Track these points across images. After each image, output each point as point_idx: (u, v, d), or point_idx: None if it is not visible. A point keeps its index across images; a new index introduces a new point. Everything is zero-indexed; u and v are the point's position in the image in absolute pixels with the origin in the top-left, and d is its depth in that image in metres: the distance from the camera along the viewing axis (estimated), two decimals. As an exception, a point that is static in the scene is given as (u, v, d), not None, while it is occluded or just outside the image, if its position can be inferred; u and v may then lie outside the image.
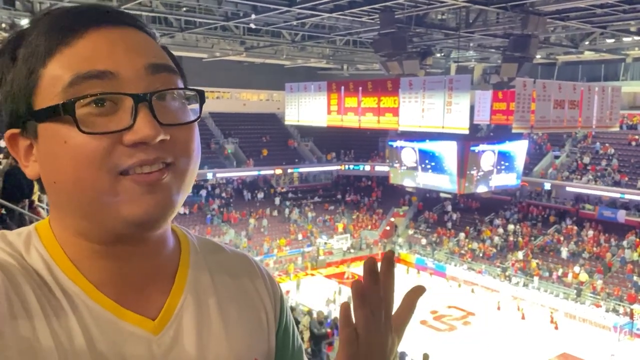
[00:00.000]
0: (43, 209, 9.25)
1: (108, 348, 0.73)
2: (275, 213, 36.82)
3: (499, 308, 26.36)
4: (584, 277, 27.26)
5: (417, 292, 0.86)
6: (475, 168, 19.07)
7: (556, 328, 24.07)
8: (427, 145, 20.14)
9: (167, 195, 0.72)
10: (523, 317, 25.27)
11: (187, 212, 32.83)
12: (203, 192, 35.27)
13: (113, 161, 0.69)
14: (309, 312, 16.69)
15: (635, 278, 26.00)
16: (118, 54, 0.71)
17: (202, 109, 0.79)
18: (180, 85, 0.78)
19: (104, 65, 0.70)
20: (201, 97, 0.78)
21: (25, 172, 0.76)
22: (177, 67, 0.80)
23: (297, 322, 13.59)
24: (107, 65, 0.70)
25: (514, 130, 16.93)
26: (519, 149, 20.22)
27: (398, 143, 21.42)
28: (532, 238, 31.48)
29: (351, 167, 40.78)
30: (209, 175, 34.51)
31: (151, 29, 0.79)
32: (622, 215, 29.53)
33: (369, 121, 19.17)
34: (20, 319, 0.67)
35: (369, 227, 37.64)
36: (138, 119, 0.69)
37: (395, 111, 18.13)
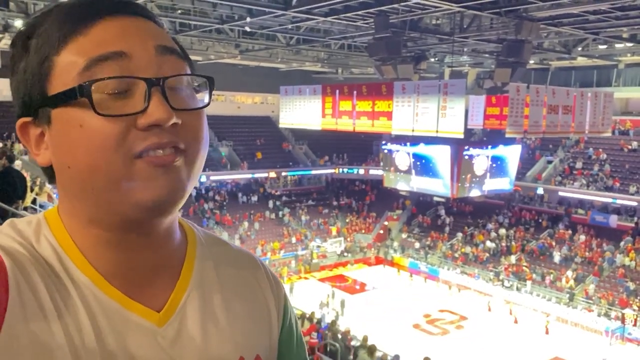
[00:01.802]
0: (35, 210, 9.21)
1: (115, 339, 0.73)
2: (269, 216, 36.79)
3: (489, 309, 26.53)
4: (571, 283, 27.41)
5: None
6: (468, 172, 19.14)
7: (546, 333, 24.19)
8: (421, 149, 20.19)
9: (178, 178, 0.73)
10: (516, 322, 25.35)
11: (180, 214, 32.66)
12: (193, 193, 35.22)
13: (128, 145, 0.70)
14: (302, 316, 16.69)
15: (627, 283, 26.16)
16: (129, 35, 0.73)
17: (211, 94, 0.80)
18: (189, 72, 0.79)
19: (116, 47, 0.71)
20: (211, 84, 0.79)
21: (36, 161, 0.77)
22: (186, 57, 0.81)
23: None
24: (120, 47, 0.71)
25: (507, 135, 17.03)
26: (512, 154, 20.31)
27: (392, 147, 21.46)
28: (525, 242, 31.61)
29: (345, 170, 40.84)
30: (203, 178, 34.45)
31: (160, 20, 0.81)
32: (614, 220, 29.73)
33: (363, 125, 19.22)
34: (30, 309, 0.68)
35: (363, 230, 37.67)
36: (151, 103, 0.70)
37: (389, 115, 18.19)
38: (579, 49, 24.69)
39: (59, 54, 0.72)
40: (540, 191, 33.53)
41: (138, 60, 0.72)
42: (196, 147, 0.76)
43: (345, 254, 34.89)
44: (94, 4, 0.75)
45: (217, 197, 36.57)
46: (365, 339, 13.77)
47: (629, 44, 23.16)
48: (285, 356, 0.96)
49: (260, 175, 38.25)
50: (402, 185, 21.98)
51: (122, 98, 0.71)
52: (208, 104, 0.79)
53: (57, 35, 0.72)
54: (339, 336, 14.19)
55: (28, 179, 8.50)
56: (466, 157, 18.96)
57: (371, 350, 12.77)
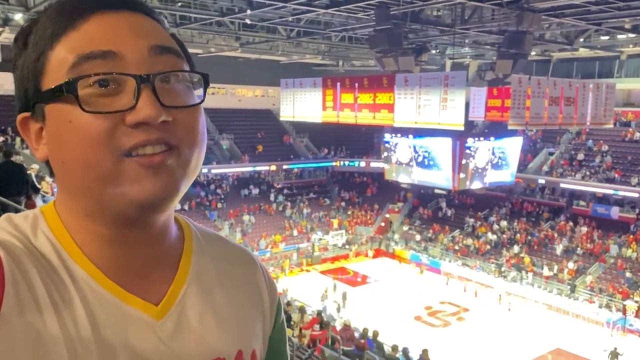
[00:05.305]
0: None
1: (113, 332, 0.73)
2: (270, 209, 36.82)
3: (464, 290, 27.05)
4: (559, 271, 27.62)
5: None
6: (470, 164, 19.10)
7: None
8: (422, 142, 20.15)
9: (171, 177, 0.73)
10: (509, 310, 25.56)
11: (186, 207, 32.72)
12: (198, 188, 35.25)
13: (116, 141, 0.69)
14: (302, 309, 16.72)
15: (628, 274, 26.20)
16: (122, 34, 0.72)
17: (206, 92, 0.79)
18: (186, 69, 0.78)
19: (106, 46, 0.71)
20: (205, 81, 0.79)
21: (35, 155, 0.77)
22: (185, 54, 0.80)
23: (290, 318, 13.58)
24: (110, 46, 0.71)
25: (509, 127, 16.97)
26: (513, 146, 20.27)
27: (393, 139, 21.43)
28: (526, 234, 31.63)
29: (346, 163, 40.82)
30: (204, 171, 34.46)
31: (159, 16, 0.80)
32: (615, 212, 29.73)
33: (364, 117, 19.16)
34: (26, 302, 0.68)
35: (364, 223, 37.72)
36: (140, 100, 0.70)
37: (390, 107, 18.11)
38: (581, 40, 24.60)
39: (53, 49, 0.72)
40: (541, 182, 33.52)
41: (129, 60, 0.71)
42: (190, 144, 0.75)
43: (347, 246, 34.97)
44: None
45: (218, 191, 36.61)
46: (375, 333, 13.81)
47: (631, 35, 23.06)
48: (274, 354, 0.97)
49: (261, 168, 38.26)
50: (404, 178, 21.95)
51: (111, 95, 0.70)
52: (203, 100, 0.78)
53: (51, 30, 0.73)
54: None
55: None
56: (467, 149, 18.93)
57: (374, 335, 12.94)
